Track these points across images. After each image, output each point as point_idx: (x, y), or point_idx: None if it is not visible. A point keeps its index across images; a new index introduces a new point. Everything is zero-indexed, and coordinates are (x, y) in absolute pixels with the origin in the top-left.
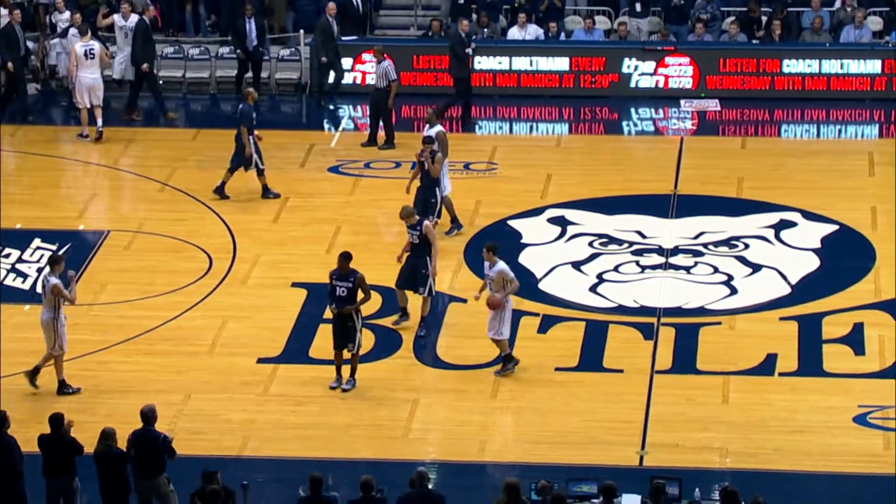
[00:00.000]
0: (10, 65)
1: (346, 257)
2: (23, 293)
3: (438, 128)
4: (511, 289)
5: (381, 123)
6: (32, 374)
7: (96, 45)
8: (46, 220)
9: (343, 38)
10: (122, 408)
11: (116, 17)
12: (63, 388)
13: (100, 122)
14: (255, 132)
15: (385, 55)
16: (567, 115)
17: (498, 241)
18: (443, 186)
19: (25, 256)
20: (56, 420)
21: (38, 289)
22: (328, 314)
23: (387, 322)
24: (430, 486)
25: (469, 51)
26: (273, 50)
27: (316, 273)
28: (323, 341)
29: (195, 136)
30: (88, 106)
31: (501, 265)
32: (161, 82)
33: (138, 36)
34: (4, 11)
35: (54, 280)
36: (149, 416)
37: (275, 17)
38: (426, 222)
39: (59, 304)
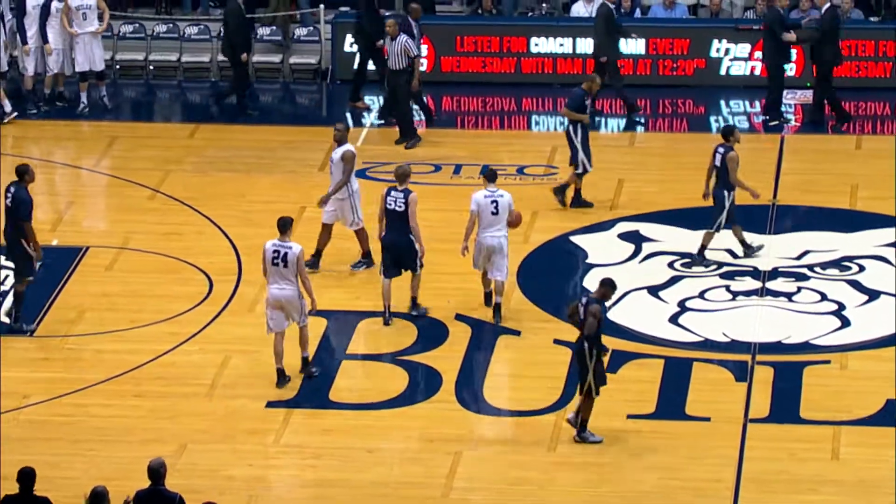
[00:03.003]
0: None
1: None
2: None
3: (347, 147)
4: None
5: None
6: (305, 367)
7: None
8: None
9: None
10: (103, 461)
11: None
12: (306, 367)
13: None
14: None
15: (399, 29)
16: (643, 108)
17: (559, 260)
18: (358, 218)
19: None
20: (26, 475)
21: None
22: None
23: (421, 358)
24: None
25: (789, 35)
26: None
27: (338, 299)
28: (346, 381)
29: (193, 133)
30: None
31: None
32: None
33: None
34: None
35: (298, 247)
36: (159, 472)
37: None
38: (414, 194)
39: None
